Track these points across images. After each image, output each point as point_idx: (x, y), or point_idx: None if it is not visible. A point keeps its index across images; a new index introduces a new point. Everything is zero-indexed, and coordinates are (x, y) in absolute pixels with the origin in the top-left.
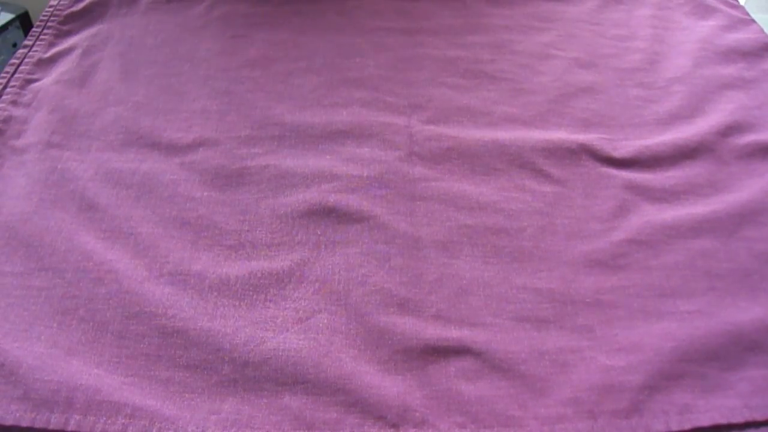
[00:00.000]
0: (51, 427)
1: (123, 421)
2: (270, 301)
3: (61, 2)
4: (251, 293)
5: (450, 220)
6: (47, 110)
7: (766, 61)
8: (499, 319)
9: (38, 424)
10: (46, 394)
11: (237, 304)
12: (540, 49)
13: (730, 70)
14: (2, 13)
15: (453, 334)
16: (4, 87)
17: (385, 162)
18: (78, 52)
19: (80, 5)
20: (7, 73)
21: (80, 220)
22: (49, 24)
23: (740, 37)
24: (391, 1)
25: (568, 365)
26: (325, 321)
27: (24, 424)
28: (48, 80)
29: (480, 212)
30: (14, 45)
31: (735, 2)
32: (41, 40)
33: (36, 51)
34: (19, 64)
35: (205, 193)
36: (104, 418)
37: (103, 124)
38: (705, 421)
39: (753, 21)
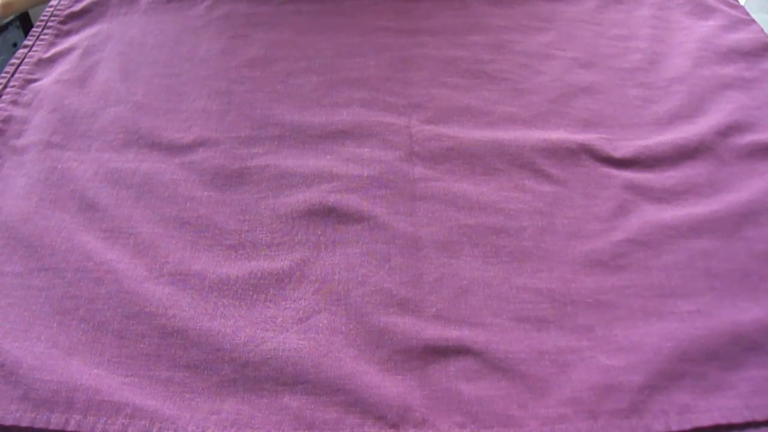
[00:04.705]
0: (51, 427)
1: (123, 421)
2: (270, 301)
3: (61, 2)
4: (251, 293)
5: (450, 220)
6: (47, 110)
7: (766, 61)
8: (499, 319)
9: (38, 424)
10: (46, 394)
11: (237, 304)
12: (540, 49)
13: (730, 70)
14: None
15: (453, 334)
16: (4, 87)
17: (385, 162)
18: (78, 52)
19: (80, 5)
20: (7, 73)
21: (80, 220)
22: (49, 24)
23: (740, 37)
24: (391, 1)
25: (568, 365)
26: (325, 321)
27: (24, 424)
28: (48, 80)
29: (480, 212)
30: (14, 45)
31: (735, 2)
32: (41, 40)
33: (36, 51)
34: (19, 64)
35: (205, 193)
36: (104, 418)
37: (103, 124)
38: (705, 421)
39: (753, 21)
